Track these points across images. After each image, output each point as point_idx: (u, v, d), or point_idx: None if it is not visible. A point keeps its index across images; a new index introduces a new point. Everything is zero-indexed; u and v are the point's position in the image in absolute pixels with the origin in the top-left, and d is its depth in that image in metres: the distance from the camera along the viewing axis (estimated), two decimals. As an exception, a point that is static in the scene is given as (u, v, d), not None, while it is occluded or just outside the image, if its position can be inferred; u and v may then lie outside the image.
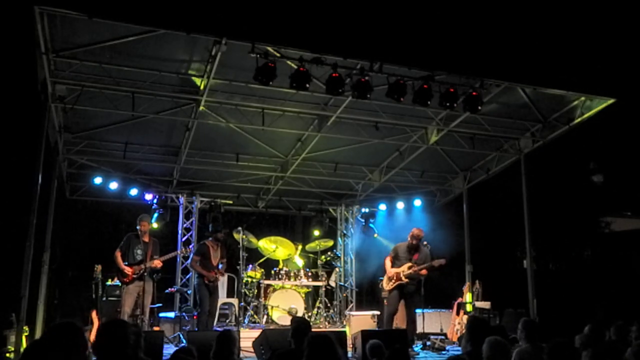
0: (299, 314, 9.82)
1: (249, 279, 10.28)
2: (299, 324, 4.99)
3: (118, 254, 8.36)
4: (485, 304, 10.26)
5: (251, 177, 11.82)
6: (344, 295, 12.75)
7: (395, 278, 8.42)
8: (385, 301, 8.80)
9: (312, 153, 10.48)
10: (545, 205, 14.00)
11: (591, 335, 5.31)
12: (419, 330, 9.62)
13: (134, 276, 8.27)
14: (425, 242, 8.92)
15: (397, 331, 8.11)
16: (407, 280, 8.38)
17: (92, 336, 6.89)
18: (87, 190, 11.83)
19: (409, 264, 8.41)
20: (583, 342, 5.22)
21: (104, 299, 9.27)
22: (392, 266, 8.58)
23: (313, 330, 7.51)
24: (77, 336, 2.97)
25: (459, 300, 10.45)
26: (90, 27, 6.73)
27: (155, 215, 11.47)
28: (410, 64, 7.49)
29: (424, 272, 8.44)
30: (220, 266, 8.94)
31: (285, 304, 9.86)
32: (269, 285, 10.14)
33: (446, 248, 12.49)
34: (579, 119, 9.11)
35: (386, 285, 8.59)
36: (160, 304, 9.98)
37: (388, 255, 8.80)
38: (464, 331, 9.34)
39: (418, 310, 9.88)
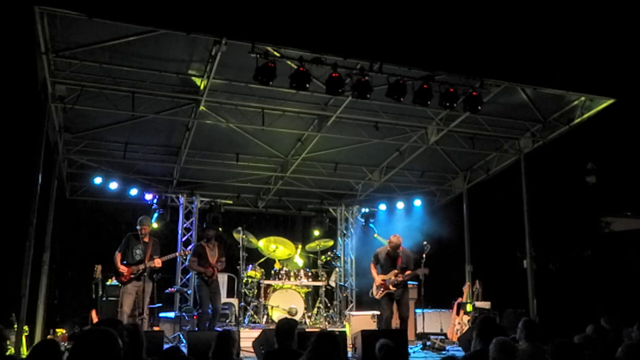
0: (299, 314, 9.82)
1: (249, 279, 10.28)
2: (282, 324, 5.04)
3: (118, 256, 8.37)
4: (485, 304, 10.26)
5: (251, 177, 11.82)
6: (344, 295, 12.74)
7: (383, 287, 8.49)
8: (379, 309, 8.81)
9: (312, 153, 10.48)
10: (545, 205, 13.98)
11: (593, 336, 5.28)
12: (419, 330, 9.63)
13: (131, 276, 8.26)
14: (425, 242, 8.93)
15: (397, 331, 8.11)
16: (394, 288, 8.44)
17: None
18: (87, 190, 11.83)
19: (395, 271, 8.46)
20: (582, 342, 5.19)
21: (104, 299, 9.27)
22: (377, 273, 8.66)
23: (312, 330, 7.51)
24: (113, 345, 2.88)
25: (459, 300, 10.44)
26: (90, 27, 6.73)
27: (155, 215, 11.47)
28: (410, 64, 7.49)
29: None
30: (219, 264, 8.94)
31: (285, 304, 9.86)
32: (269, 285, 10.14)
33: (446, 248, 12.56)
34: (579, 119, 9.12)
35: (375, 293, 8.65)
36: (160, 304, 9.97)
37: (372, 262, 8.86)
38: (464, 331, 9.38)
39: (418, 310, 9.90)
